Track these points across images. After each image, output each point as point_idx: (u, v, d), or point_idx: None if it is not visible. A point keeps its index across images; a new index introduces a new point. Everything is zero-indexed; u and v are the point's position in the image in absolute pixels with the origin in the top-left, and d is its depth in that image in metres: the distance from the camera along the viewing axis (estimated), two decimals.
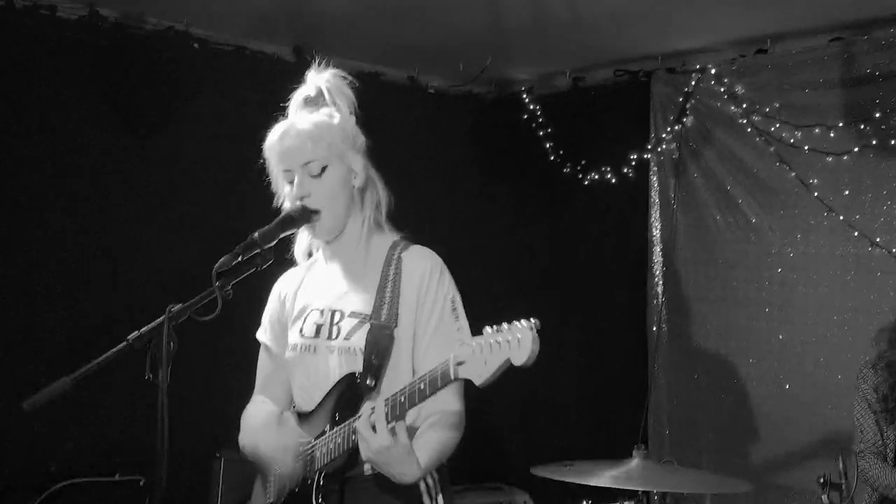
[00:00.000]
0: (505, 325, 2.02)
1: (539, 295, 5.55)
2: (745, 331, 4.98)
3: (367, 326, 2.41)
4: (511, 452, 5.79)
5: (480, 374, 2.03)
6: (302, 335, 2.53)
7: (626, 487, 3.31)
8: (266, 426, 2.53)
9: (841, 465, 3.23)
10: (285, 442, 2.45)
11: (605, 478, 3.30)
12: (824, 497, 3.19)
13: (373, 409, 2.20)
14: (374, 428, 2.18)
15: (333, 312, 2.49)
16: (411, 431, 2.36)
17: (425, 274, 2.46)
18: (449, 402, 2.42)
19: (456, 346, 2.10)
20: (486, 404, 5.78)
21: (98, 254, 4.32)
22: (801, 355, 4.72)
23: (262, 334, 2.70)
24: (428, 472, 2.36)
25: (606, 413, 5.45)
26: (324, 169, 2.44)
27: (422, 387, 2.13)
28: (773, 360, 4.84)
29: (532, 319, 1.99)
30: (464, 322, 2.46)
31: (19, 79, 4.14)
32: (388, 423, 2.16)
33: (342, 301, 2.49)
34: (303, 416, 2.51)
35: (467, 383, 2.15)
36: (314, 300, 2.55)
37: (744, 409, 4.94)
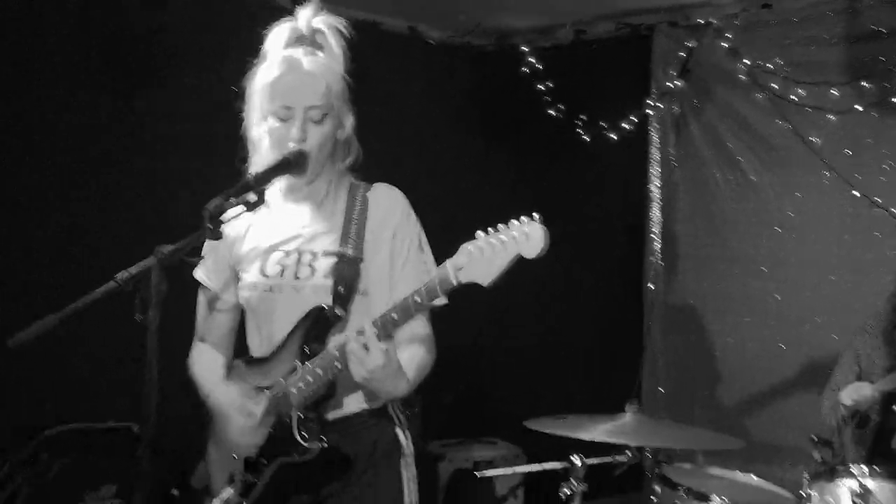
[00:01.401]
0: (502, 226, 2.04)
1: None
2: (741, 289, 4.97)
3: (334, 260, 2.42)
4: (505, 407, 5.79)
5: (487, 273, 2.06)
6: (264, 275, 2.49)
7: (618, 442, 3.30)
8: (220, 379, 2.54)
9: (833, 422, 3.23)
10: (246, 394, 2.44)
11: (597, 432, 3.28)
12: (816, 454, 3.20)
13: (362, 330, 2.22)
14: (366, 348, 2.21)
15: (302, 253, 2.47)
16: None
17: (392, 211, 2.49)
18: (417, 326, 2.45)
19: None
20: (480, 358, 5.81)
21: (88, 204, 4.27)
22: (797, 315, 4.72)
23: (203, 274, 2.62)
24: (414, 386, 2.41)
25: (601, 370, 5.46)
26: (324, 116, 2.42)
27: (417, 299, 2.18)
28: (769, 319, 4.84)
29: (535, 214, 2.03)
30: (429, 257, 2.51)
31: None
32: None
33: (312, 242, 2.48)
34: (259, 362, 2.50)
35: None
36: (276, 241, 2.51)
37: (738, 368, 4.95)
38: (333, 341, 2.32)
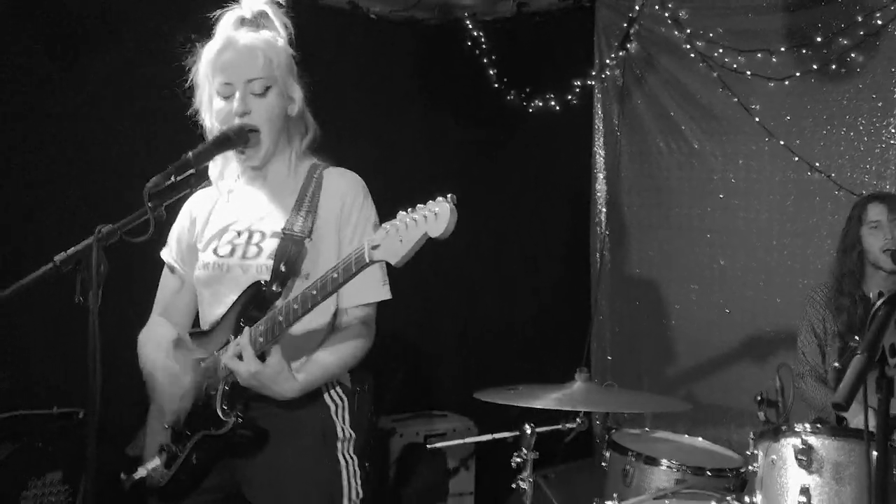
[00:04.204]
0: (419, 205, 2.04)
1: (482, 223, 5.53)
2: (687, 257, 5.04)
3: (280, 238, 2.42)
4: (455, 380, 5.82)
5: (396, 252, 2.04)
6: (216, 254, 2.49)
7: (568, 409, 3.33)
8: (164, 350, 2.51)
9: (778, 383, 3.28)
10: (182, 364, 2.44)
11: (547, 400, 3.31)
12: (761, 414, 3.24)
13: (237, 340, 2.27)
14: (240, 357, 2.25)
15: (252, 233, 2.47)
16: (320, 334, 2.45)
17: (349, 193, 2.48)
18: (358, 310, 2.49)
19: (370, 232, 2.13)
20: (428, 332, 5.82)
21: (23, 183, 4.18)
22: (742, 280, 4.80)
23: (168, 254, 2.66)
24: (312, 386, 2.40)
25: (549, 340, 5.50)
26: (267, 89, 2.41)
27: (335, 276, 2.16)
28: (714, 286, 4.91)
29: (448, 195, 2.00)
30: None
31: None
32: (263, 347, 2.26)
33: (263, 222, 2.48)
34: (202, 335, 2.50)
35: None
36: (233, 223, 2.52)
37: (684, 333, 5.03)
38: (227, 351, 2.33)
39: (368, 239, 2.09)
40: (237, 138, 2.37)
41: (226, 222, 2.53)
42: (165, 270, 2.68)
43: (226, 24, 2.48)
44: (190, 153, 2.25)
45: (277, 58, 2.44)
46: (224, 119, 2.40)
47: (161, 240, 2.64)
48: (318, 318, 2.41)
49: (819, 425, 3.04)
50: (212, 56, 2.42)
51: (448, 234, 1.99)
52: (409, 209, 2.05)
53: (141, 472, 2.46)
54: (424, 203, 2.03)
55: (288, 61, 2.48)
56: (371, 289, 2.45)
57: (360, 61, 5.43)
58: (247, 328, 2.28)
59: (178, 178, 2.19)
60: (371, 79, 5.51)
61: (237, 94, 2.38)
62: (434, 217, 1.99)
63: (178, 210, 2.66)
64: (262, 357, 2.28)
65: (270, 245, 2.42)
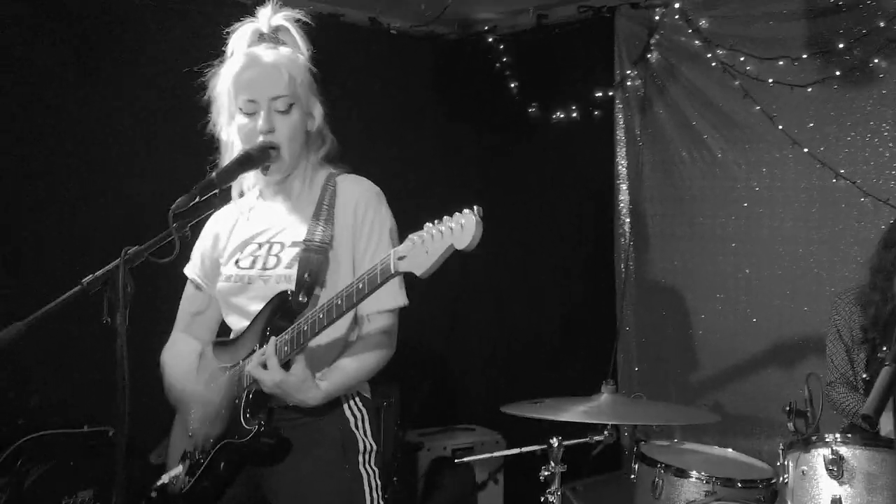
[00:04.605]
0: (446, 217, 2.04)
1: (506, 235, 5.53)
2: (712, 266, 5.00)
3: (299, 249, 2.44)
4: (482, 393, 5.82)
5: (422, 263, 2.05)
6: (238, 267, 2.52)
7: (596, 422, 3.32)
8: (188, 368, 2.55)
9: (806, 392, 3.26)
10: (207, 373, 2.46)
11: (574, 413, 3.31)
12: (790, 424, 3.22)
13: (263, 349, 2.29)
14: (265, 366, 2.28)
15: (272, 244, 2.50)
16: (339, 344, 2.46)
17: (362, 200, 2.49)
18: (379, 322, 2.50)
19: (385, 238, 2.19)
20: (455, 345, 5.82)
21: (53, 208, 4.23)
22: (768, 288, 4.75)
23: (192, 270, 2.69)
24: (335, 394, 2.42)
25: (575, 352, 5.48)
26: (290, 106, 2.44)
27: (360, 286, 2.17)
28: (740, 294, 4.87)
29: (475, 207, 2.01)
30: None
31: None
32: (287, 356, 2.27)
33: (281, 234, 2.50)
34: (225, 344, 2.52)
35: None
36: (254, 236, 2.55)
37: (711, 344, 4.98)
38: (251, 361, 2.35)
39: (395, 250, 2.10)
40: (260, 157, 2.39)
41: (247, 235, 2.56)
42: (188, 286, 2.71)
43: (242, 39, 2.50)
44: (214, 173, 2.28)
45: (301, 75, 2.46)
46: (247, 135, 2.43)
47: (186, 259, 2.67)
48: (338, 326, 2.41)
49: (850, 435, 3.01)
50: (235, 72, 2.44)
51: (474, 246, 1.99)
52: (436, 220, 2.05)
53: (163, 479, 2.48)
54: (451, 215, 2.04)
55: (309, 78, 2.50)
56: (389, 295, 2.45)
57: (381, 76, 5.47)
58: (272, 338, 2.30)
59: (203, 199, 2.22)
60: (392, 93, 5.54)
61: (262, 112, 2.40)
62: (460, 229, 2.00)
63: (202, 228, 2.69)
64: (286, 366, 2.30)
65: (289, 254, 2.45)
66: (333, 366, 2.43)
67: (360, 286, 2.16)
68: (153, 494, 2.50)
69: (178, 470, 2.47)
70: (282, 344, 2.30)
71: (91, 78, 4.32)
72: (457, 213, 2.02)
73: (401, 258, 2.09)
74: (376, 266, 2.14)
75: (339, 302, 2.20)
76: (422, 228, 2.08)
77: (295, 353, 2.29)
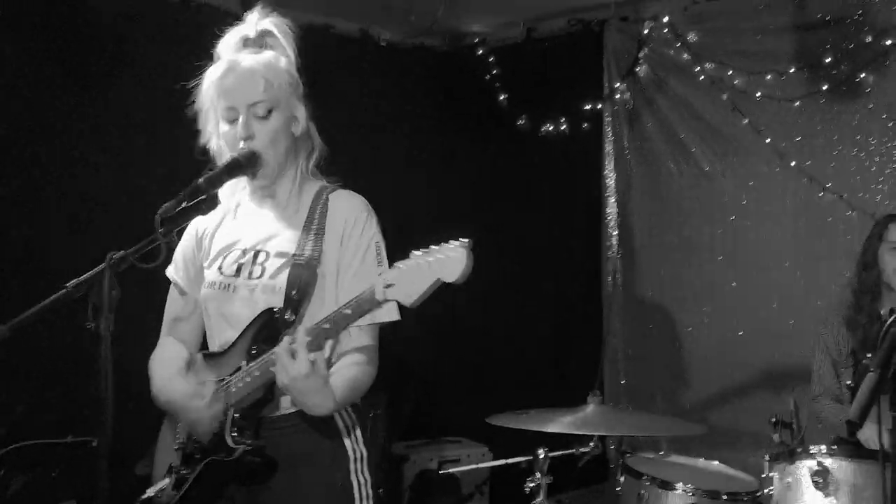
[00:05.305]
0: (434, 247, 2.02)
1: (494, 248, 5.53)
2: (699, 278, 5.02)
3: (284, 261, 2.41)
4: (468, 406, 5.80)
5: (410, 294, 2.03)
6: (221, 273, 2.49)
7: (582, 433, 3.31)
8: (176, 372, 2.49)
9: (792, 405, 3.28)
10: (195, 385, 2.41)
11: (561, 424, 3.30)
12: (776, 436, 3.23)
13: (293, 336, 2.19)
14: (293, 355, 2.18)
15: (257, 252, 2.47)
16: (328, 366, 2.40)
17: (351, 215, 2.46)
18: (364, 338, 2.44)
19: (384, 270, 2.11)
20: (441, 358, 5.80)
21: (40, 208, 4.22)
22: (754, 301, 4.77)
23: (174, 272, 2.63)
24: (342, 406, 2.39)
25: (562, 364, 5.48)
26: (269, 111, 2.41)
27: (347, 312, 2.15)
28: (727, 307, 4.89)
29: (464, 239, 1.99)
30: (386, 266, 2.44)
31: None
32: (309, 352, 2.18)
33: (268, 243, 2.47)
34: (214, 357, 2.48)
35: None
36: (238, 241, 2.52)
37: (697, 356, 5.00)
38: (279, 345, 2.27)
39: (383, 277, 2.08)
40: (247, 164, 2.37)
41: (231, 240, 2.53)
42: (172, 288, 2.67)
43: (228, 45, 2.49)
44: (201, 179, 2.25)
45: (278, 79, 2.43)
46: (230, 142, 2.41)
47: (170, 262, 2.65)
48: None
49: (835, 447, 3.02)
50: (215, 80, 2.42)
51: (463, 279, 1.96)
52: (423, 249, 2.02)
53: (150, 492, 2.45)
54: (438, 244, 2.01)
55: (290, 81, 2.47)
56: (385, 308, 2.36)
57: (371, 87, 5.47)
58: (301, 326, 2.21)
59: (190, 204, 2.21)
60: (382, 104, 5.55)
61: (241, 119, 2.39)
62: (449, 262, 1.98)
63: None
64: None
65: (273, 265, 2.42)
66: (335, 376, 2.37)
67: (348, 312, 2.14)
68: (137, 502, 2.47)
69: (165, 483, 2.44)
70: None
71: (82, 82, 4.31)
72: (445, 245, 2.00)
73: (388, 286, 2.06)
74: (364, 293, 2.12)
75: (328, 326, 2.18)
76: (407, 255, 2.05)
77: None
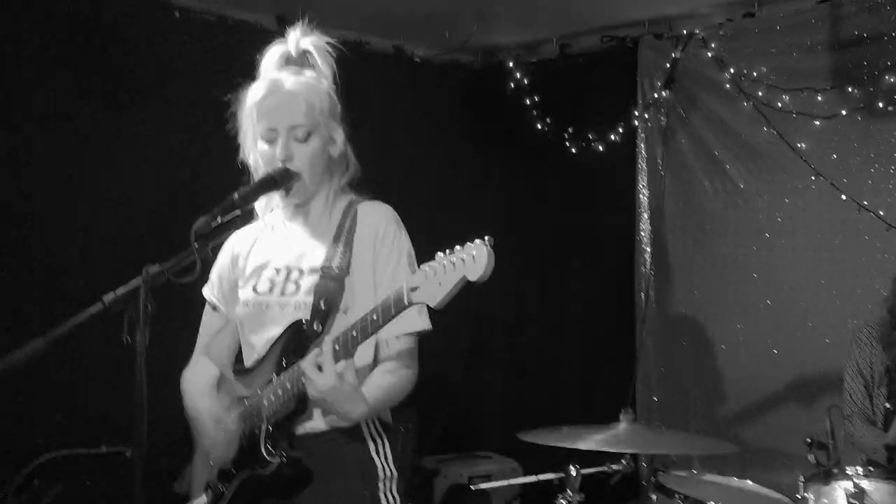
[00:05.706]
0: (458, 247, 2.04)
1: (526, 262, 5.53)
2: (733, 296, 4.98)
3: (318, 276, 2.43)
4: (499, 421, 5.79)
5: (435, 295, 2.05)
6: (255, 292, 2.51)
7: (614, 450, 3.30)
8: (205, 390, 2.53)
9: (828, 425, 3.23)
10: (226, 402, 2.44)
11: (592, 441, 3.28)
12: (811, 457, 3.19)
13: (320, 349, 2.22)
14: (320, 368, 2.21)
15: (290, 270, 2.49)
16: (366, 372, 2.42)
17: (381, 226, 2.48)
18: (399, 347, 2.46)
19: (403, 262, 2.15)
20: (473, 372, 5.80)
21: (75, 224, 4.28)
22: (789, 320, 4.72)
23: (210, 291, 2.67)
24: (377, 411, 2.41)
25: (594, 380, 5.46)
26: (309, 134, 2.43)
27: (374, 317, 2.17)
28: (761, 325, 4.84)
29: (486, 237, 2.01)
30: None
31: None
32: (336, 362, 2.20)
33: (302, 260, 2.49)
34: (244, 372, 2.50)
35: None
36: (272, 259, 2.54)
37: (731, 374, 4.95)
38: (306, 359, 2.30)
39: (408, 280, 2.10)
40: (281, 180, 2.40)
41: (265, 259, 2.55)
42: (207, 307, 2.70)
43: (270, 63, 2.51)
44: (235, 194, 2.28)
45: (320, 103, 2.45)
46: (268, 162, 2.43)
47: (206, 279, 2.68)
48: (361, 353, 2.39)
49: (871, 468, 2.98)
50: (256, 100, 2.45)
51: (486, 277, 1.99)
52: (448, 251, 2.05)
53: None
54: (462, 245, 2.04)
55: (330, 104, 2.49)
56: (411, 318, 2.41)
57: (404, 104, 5.51)
58: (328, 338, 2.25)
59: (224, 219, 2.23)
60: (415, 121, 5.58)
61: (280, 140, 2.41)
62: (472, 260, 2.00)
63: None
64: None
65: (308, 282, 2.44)
66: (369, 383, 2.39)
67: (375, 317, 2.16)
68: None
69: (203, 500, 2.46)
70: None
71: (121, 97, 4.37)
72: (468, 244, 2.03)
73: (413, 289, 2.09)
74: (390, 297, 2.14)
75: (355, 333, 2.20)
76: (433, 258, 2.08)
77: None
